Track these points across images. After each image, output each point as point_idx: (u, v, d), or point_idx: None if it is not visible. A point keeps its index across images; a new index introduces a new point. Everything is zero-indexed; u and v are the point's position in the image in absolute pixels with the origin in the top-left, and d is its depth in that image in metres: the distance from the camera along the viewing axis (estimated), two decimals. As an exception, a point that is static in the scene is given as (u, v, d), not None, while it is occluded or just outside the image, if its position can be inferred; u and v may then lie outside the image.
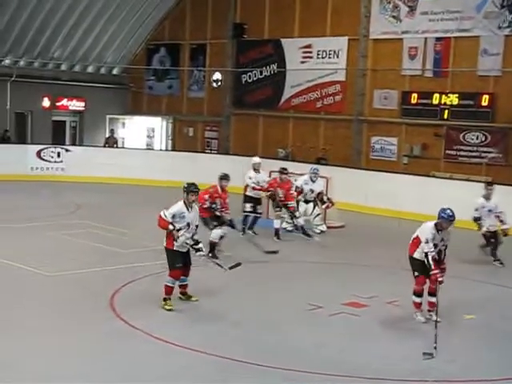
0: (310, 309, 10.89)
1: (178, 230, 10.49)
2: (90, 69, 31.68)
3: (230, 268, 11.10)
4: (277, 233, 16.74)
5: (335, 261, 14.86)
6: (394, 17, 24.64)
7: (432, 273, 10.27)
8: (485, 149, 22.85)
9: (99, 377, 7.94)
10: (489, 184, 15.56)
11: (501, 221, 14.97)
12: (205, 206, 13.97)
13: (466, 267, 14.61)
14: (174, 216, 10.52)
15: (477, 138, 23.00)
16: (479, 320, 10.87)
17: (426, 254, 10.30)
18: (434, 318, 10.21)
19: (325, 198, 17.46)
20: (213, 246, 13.96)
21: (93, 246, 14.71)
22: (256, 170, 17.21)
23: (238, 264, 11.28)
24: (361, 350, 9.20)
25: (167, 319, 10.08)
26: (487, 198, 15.20)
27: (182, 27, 30.92)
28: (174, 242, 10.52)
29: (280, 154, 27.11)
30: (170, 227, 10.47)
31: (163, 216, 10.53)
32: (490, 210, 15.06)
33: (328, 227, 17.95)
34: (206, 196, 14.13)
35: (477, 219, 15.10)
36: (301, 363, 8.53)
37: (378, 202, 21.19)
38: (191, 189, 10.77)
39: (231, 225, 14.46)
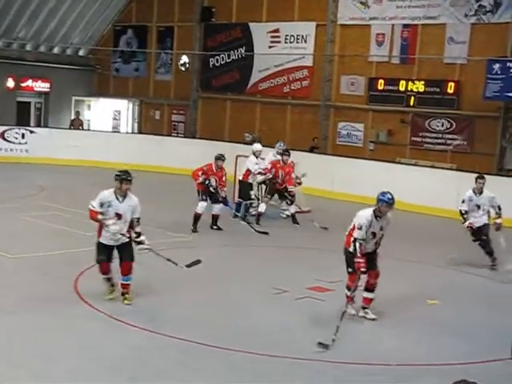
0: (275, 293, 10.92)
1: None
2: (55, 49, 31.30)
3: (188, 266, 10.66)
4: (258, 217, 16.81)
5: (300, 246, 14.92)
6: (361, 3, 24.66)
7: (356, 260, 9.74)
8: (450, 136, 23.03)
9: (61, 359, 7.91)
10: (480, 177, 14.26)
11: (497, 213, 13.99)
12: (199, 181, 15.24)
13: (426, 252, 14.76)
14: (101, 205, 9.73)
15: (442, 126, 23.17)
16: (442, 305, 10.98)
17: (355, 240, 9.78)
18: (370, 316, 9.95)
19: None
20: (196, 218, 15.18)
21: (56, 229, 14.59)
22: (257, 157, 17.22)
23: (198, 261, 10.79)
24: (324, 334, 9.24)
25: (137, 303, 10.02)
26: (477, 191, 14.14)
27: (150, 9, 30.67)
28: (103, 232, 9.80)
29: (246, 138, 27.01)
30: (99, 217, 9.69)
31: (91, 207, 9.75)
32: (478, 206, 14.02)
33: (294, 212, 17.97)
34: (200, 172, 15.33)
35: (462, 213, 13.98)
36: (266, 346, 8.56)
37: (343, 187, 21.30)
38: (123, 177, 9.79)
39: (225, 202, 15.56)
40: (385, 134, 24.33)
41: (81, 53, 32.31)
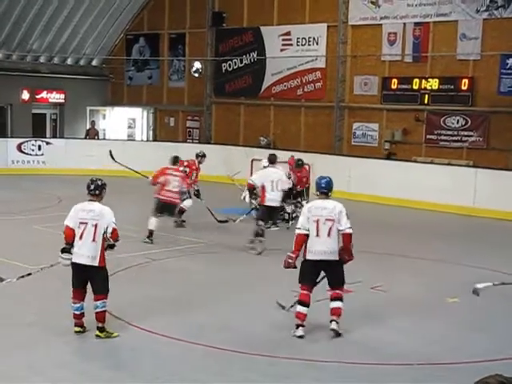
0: (295, 295, 10.90)
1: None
2: (69, 60, 31.47)
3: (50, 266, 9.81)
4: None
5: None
6: (372, 2, 24.63)
7: (288, 254, 9.29)
8: (465, 133, 22.94)
9: (80, 368, 7.96)
10: None
11: None
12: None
13: (443, 250, 14.71)
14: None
15: (457, 122, 23.08)
16: (462, 303, 10.93)
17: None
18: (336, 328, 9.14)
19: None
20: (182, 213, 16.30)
21: (75, 239, 14.62)
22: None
23: (29, 274, 9.80)
24: (345, 335, 9.23)
25: (150, 309, 10.06)
26: None
27: (161, 17, 30.77)
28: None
29: (261, 142, 27.10)
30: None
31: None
32: None
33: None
34: (185, 163, 16.99)
35: None
36: (287, 350, 8.57)
37: (360, 188, 21.27)
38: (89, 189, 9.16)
39: (198, 195, 17.03)
40: (400, 133, 24.27)
41: (94, 63, 32.47)
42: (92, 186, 9.10)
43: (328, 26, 25.75)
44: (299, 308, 9.21)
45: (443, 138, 23.40)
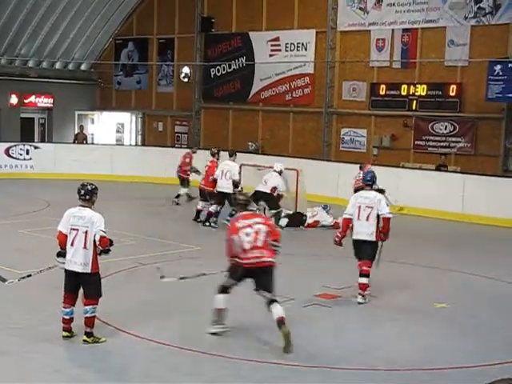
0: (282, 301, 10.90)
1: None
2: (57, 65, 31.41)
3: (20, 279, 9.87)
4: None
5: (306, 253, 14.91)
6: (360, 8, 24.72)
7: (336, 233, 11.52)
8: (453, 139, 23.03)
9: (71, 373, 7.95)
10: None
11: None
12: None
13: (432, 256, 14.76)
14: None
15: (445, 128, 23.17)
16: (451, 308, 10.97)
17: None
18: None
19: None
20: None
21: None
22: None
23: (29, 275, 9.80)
24: (333, 341, 9.25)
25: (139, 314, 10.04)
26: None
27: (150, 21, 30.77)
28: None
29: (250, 147, 27.13)
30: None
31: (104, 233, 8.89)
32: None
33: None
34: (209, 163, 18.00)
35: None
36: (273, 355, 8.56)
37: (348, 193, 21.23)
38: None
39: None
40: (388, 139, 24.34)
41: (83, 67, 32.43)
42: (82, 191, 9.04)
43: (317, 32, 25.82)
44: (362, 280, 11.06)
45: (431, 143, 23.49)
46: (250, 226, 9.25)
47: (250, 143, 27.30)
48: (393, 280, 12.57)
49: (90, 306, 8.76)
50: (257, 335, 9.37)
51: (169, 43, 30.50)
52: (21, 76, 29.84)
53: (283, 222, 17.56)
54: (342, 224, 11.59)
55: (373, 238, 11.07)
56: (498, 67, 21.17)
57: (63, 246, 8.90)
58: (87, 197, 9.02)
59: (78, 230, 8.79)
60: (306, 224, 17.90)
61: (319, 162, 23.58)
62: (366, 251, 11.10)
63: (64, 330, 8.89)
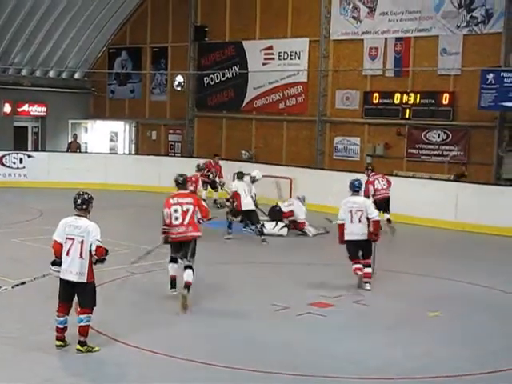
0: (276, 309, 10.92)
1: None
2: (51, 73, 31.36)
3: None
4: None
5: (300, 261, 14.91)
6: (354, 17, 24.79)
7: None
8: (446, 147, 23.08)
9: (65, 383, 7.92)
10: None
11: None
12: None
13: (425, 264, 14.76)
14: None
15: (438, 137, 23.22)
16: (444, 316, 10.97)
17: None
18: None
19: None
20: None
21: (57, 252, 14.55)
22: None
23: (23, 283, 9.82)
24: (326, 350, 9.24)
25: (133, 323, 10.02)
26: None
27: (143, 30, 30.81)
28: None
29: (243, 155, 27.13)
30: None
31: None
32: None
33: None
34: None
35: None
36: (265, 363, 8.55)
37: (341, 202, 21.25)
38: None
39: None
40: (381, 148, 24.36)
41: (76, 76, 32.40)
42: (79, 201, 9.01)
43: (310, 41, 25.87)
44: (368, 269, 12.27)
45: (424, 152, 23.53)
46: (180, 204, 11.06)
47: (243, 152, 27.30)
48: (386, 288, 12.58)
49: (85, 315, 8.74)
50: (252, 344, 9.35)
51: (162, 52, 30.52)
52: (14, 84, 29.79)
53: (284, 231, 17.91)
54: (338, 230, 12.45)
55: (366, 238, 12.22)
56: (490, 76, 21.24)
57: (58, 254, 8.88)
58: (84, 206, 9.00)
59: (73, 239, 8.78)
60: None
61: (313, 171, 23.61)
62: (365, 250, 12.31)
63: (57, 339, 8.86)
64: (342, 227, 12.32)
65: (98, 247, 8.71)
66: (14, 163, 25.97)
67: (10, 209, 20.57)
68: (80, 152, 29.76)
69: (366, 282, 12.15)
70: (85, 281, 8.72)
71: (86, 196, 9.06)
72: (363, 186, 13.02)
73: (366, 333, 10.06)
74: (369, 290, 12.04)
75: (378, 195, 17.81)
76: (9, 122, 29.96)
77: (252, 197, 17.22)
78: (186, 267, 10.97)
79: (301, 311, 10.83)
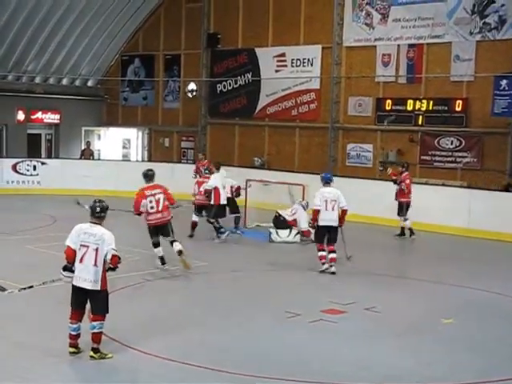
0: (288, 316, 10.91)
1: None
2: (64, 81, 31.52)
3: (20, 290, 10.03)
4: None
5: (310, 268, 14.88)
6: (366, 24, 24.79)
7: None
8: (459, 153, 23.01)
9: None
10: None
11: None
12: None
13: (438, 271, 14.72)
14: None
15: (451, 143, 23.16)
16: (457, 323, 10.94)
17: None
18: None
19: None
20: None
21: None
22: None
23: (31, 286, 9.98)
24: (338, 356, 9.23)
25: (146, 330, 10.03)
26: None
27: (156, 38, 30.91)
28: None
29: (256, 162, 27.16)
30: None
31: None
32: None
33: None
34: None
35: None
36: (280, 370, 8.55)
37: (353, 208, 21.22)
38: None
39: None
40: (394, 154, 24.32)
41: (89, 83, 32.53)
42: (98, 209, 9.01)
43: (322, 48, 25.88)
44: (333, 255, 14.08)
45: (437, 158, 23.47)
46: (153, 195, 13.81)
47: (255, 158, 27.32)
48: (399, 295, 12.56)
49: (98, 322, 8.76)
50: (264, 351, 9.35)
51: (175, 59, 30.60)
52: (28, 92, 29.95)
53: (297, 238, 17.95)
54: (312, 214, 14.29)
55: (337, 224, 14.10)
56: (503, 82, 21.21)
57: (70, 260, 8.91)
58: (102, 214, 9.04)
59: (88, 246, 8.80)
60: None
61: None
62: (333, 236, 14.10)
63: (71, 346, 8.88)
64: (316, 213, 14.08)
65: (114, 256, 8.74)
66: (28, 170, 26.09)
67: (24, 215, 20.66)
68: (93, 159, 29.86)
69: (331, 266, 13.92)
70: (99, 288, 8.74)
71: (104, 204, 9.10)
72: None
73: (378, 340, 10.04)
74: (334, 272, 13.84)
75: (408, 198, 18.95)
76: (22, 129, 30.11)
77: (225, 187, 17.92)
78: (172, 242, 13.65)
79: (313, 318, 10.82)
